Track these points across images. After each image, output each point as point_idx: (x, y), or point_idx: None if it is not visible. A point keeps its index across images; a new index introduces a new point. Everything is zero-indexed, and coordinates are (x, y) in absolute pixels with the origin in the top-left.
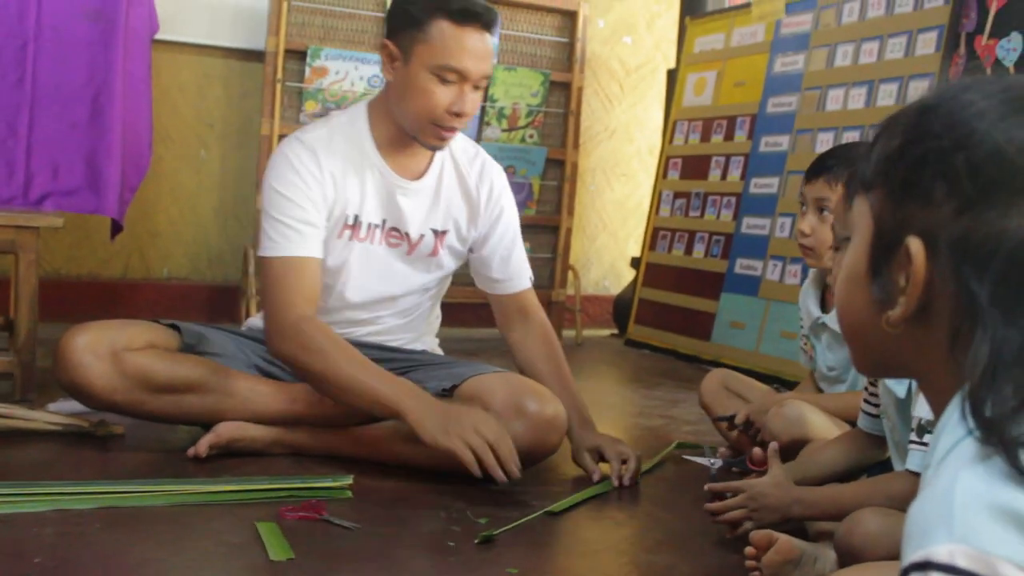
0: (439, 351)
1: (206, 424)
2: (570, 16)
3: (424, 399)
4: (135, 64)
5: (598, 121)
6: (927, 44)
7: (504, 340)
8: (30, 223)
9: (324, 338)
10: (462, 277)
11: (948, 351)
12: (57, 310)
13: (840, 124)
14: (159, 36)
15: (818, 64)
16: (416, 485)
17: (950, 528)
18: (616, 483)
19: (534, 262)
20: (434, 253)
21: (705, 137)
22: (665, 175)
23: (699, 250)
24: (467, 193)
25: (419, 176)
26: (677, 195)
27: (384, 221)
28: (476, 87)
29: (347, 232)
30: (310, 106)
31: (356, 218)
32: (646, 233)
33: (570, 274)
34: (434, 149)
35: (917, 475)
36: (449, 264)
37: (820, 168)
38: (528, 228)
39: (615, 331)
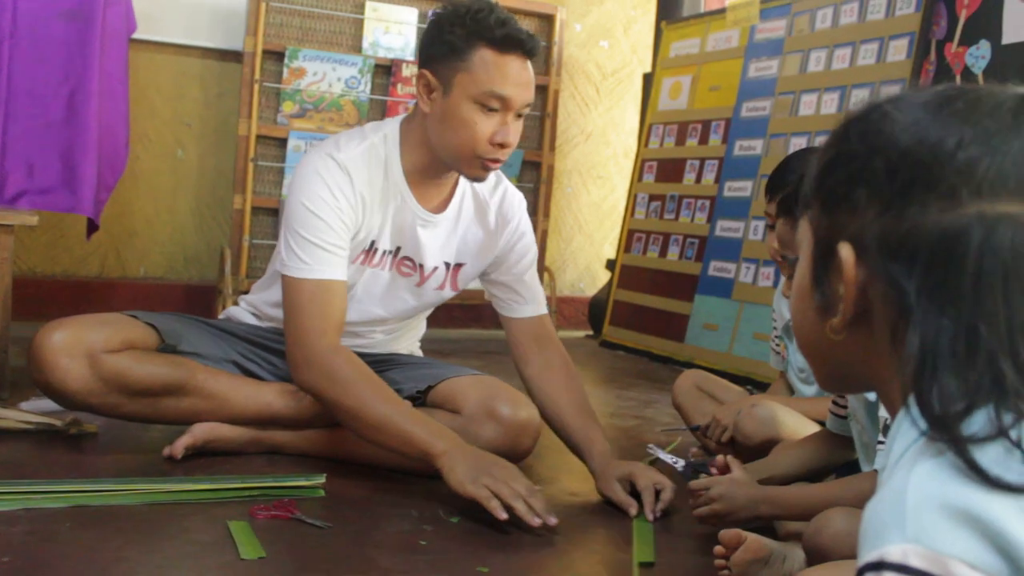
0: (418, 352)
1: (183, 424)
2: (547, 20)
3: (457, 443)
4: (112, 63)
5: (574, 124)
6: (898, 51)
7: (521, 376)
8: (4, 220)
9: (354, 372)
10: None
11: (890, 353)
12: (32, 309)
13: (813, 129)
14: (137, 35)
15: (791, 69)
16: (389, 485)
17: (903, 528)
18: (650, 517)
19: None
20: (442, 287)
21: (680, 141)
22: (640, 178)
23: (674, 252)
24: (485, 223)
25: (441, 208)
26: (652, 198)
27: (399, 249)
28: (519, 115)
29: (361, 256)
30: (288, 107)
31: (373, 244)
32: (621, 235)
33: (546, 275)
34: (477, 181)
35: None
36: (449, 295)
37: (781, 184)
38: None
39: (590, 332)
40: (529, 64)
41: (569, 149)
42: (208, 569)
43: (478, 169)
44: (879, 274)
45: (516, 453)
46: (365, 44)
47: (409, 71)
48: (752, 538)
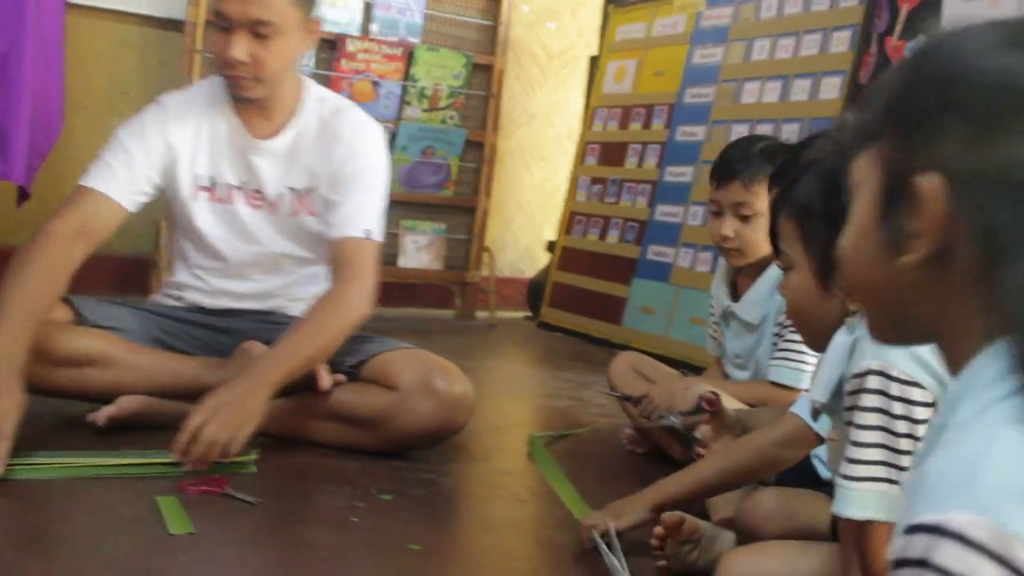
0: None
1: (109, 400)
2: (494, 0)
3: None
4: (47, 27)
5: (518, 105)
6: (841, 42)
7: None
8: None
9: (38, 257)
10: None
11: (972, 294)
12: None
13: (755, 117)
14: (74, 0)
15: (736, 57)
16: (322, 460)
17: (973, 495)
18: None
19: (450, 243)
20: (294, 214)
21: (623, 125)
22: (583, 161)
23: (613, 236)
24: (326, 146)
25: (273, 135)
26: (594, 181)
27: (244, 183)
28: (258, 35)
29: (203, 194)
30: None
31: (212, 180)
32: (562, 217)
33: (485, 256)
34: (239, 100)
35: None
36: (315, 225)
37: (731, 172)
38: (445, 209)
39: (528, 313)
40: None
41: (513, 130)
42: (135, 545)
43: (231, 87)
44: (969, 206)
45: (451, 427)
46: None
47: (354, 46)
48: (688, 520)
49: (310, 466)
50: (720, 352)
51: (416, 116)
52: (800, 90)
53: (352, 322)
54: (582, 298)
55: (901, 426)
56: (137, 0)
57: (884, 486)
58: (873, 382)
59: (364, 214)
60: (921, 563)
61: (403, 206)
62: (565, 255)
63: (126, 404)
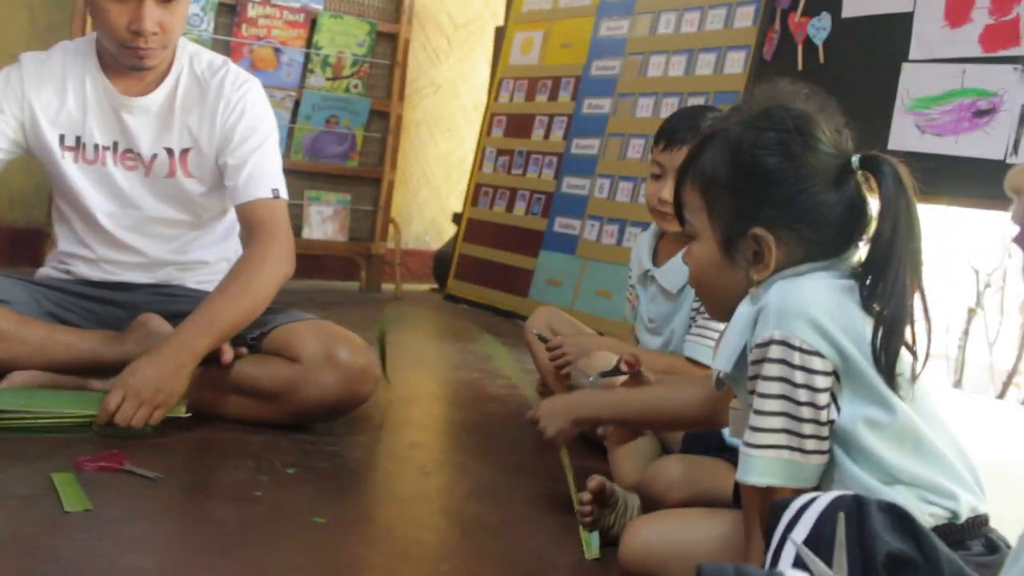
0: None
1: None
2: None
3: None
4: None
5: (424, 75)
6: (744, 17)
7: None
8: None
9: None
10: None
11: None
12: None
13: (660, 90)
14: None
15: (641, 30)
16: (224, 434)
17: None
18: None
19: (355, 214)
20: (171, 175)
21: (530, 96)
22: (489, 132)
23: (520, 208)
24: (206, 105)
25: (146, 92)
26: (500, 152)
27: (116, 144)
28: (164, 2)
29: (69, 154)
30: None
31: (78, 139)
32: (468, 189)
33: (391, 228)
34: (136, 70)
35: (706, 375)
36: (194, 187)
37: (681, 136)
38: (349, 179)
39: (435, 286)
40: None
41: (418, 100)
42: (29, 523)
43: (129, 58)
44: None
45: (355, 399)
46: None
47: (255, 11)
48: (607, 484)
49: (212, 440)
50: (634, 316)
51: (319, 85)
52: (705, 64)
53: (276, 282)
54: (488, 270)
55: (802, 395)
56: None
57: (786, 453)
58: (775, 351)
59: (267, 174)
60: None
61: (307, 176)
62: (471, 227)
63: (18, 379)
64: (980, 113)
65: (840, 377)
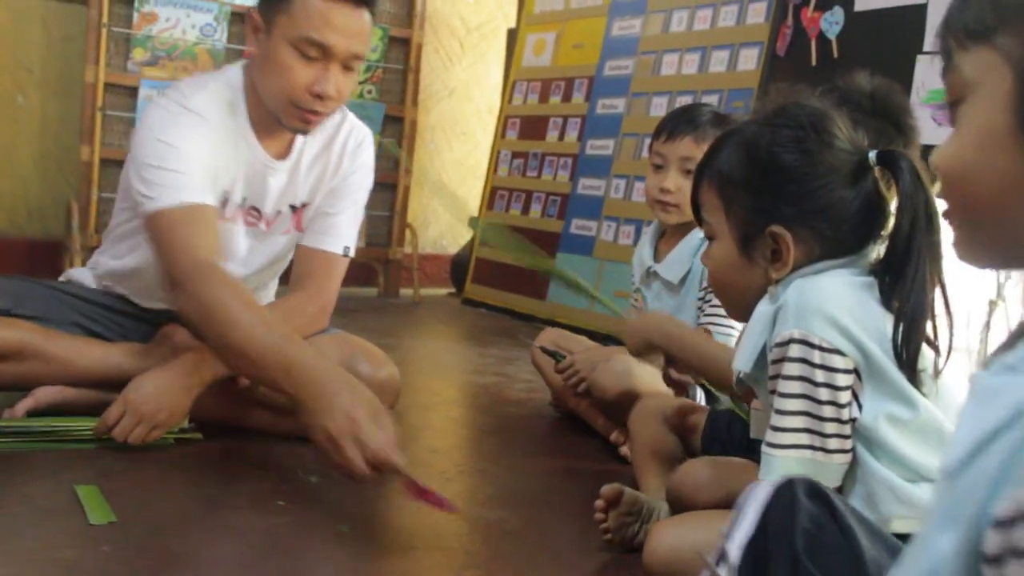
0: None
1: (25, 391)
2: None
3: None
4: None
5: (438, 79)
6: (757, 14)
7: None
8: None
9: (224, 286)
10: None
11: None
12: None
13: (674, 88)
14: None
15: (654, 29)
16: (246, 445)
17: None
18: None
19: (372, 220)
20: (287, 231)
21: (543, 98)
22: (504, 135)
23: (536, 210)
24: (328, 157)
25: (285, 154)
26: (515, 155)
27: (245, 199)
28: (347, 68)
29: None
30: (139, 54)
31: (226, 194)
32: (484, 192)
33: (408, 233)
34: (298, 132)
35: None
36: (296, 239)
37: (683, 127)
38: None
39: (452, 290)
40: (364, 13)
41: (432, 104)
42: (55, 535)
43: (296, 120)
44: None
45: None
46: None
47: None
48: (627, 492)
49: (234, 450)
50: None
51: None
52: (719, 61)
53: (306, 335)
54: (505, 274)
55: (824, 393)
56: None
57: (808, 453)
58: (795, 350)
59: (348, 231)
60: None
61: None
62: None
63: (43, 396)
64: None
65: (861, 375)
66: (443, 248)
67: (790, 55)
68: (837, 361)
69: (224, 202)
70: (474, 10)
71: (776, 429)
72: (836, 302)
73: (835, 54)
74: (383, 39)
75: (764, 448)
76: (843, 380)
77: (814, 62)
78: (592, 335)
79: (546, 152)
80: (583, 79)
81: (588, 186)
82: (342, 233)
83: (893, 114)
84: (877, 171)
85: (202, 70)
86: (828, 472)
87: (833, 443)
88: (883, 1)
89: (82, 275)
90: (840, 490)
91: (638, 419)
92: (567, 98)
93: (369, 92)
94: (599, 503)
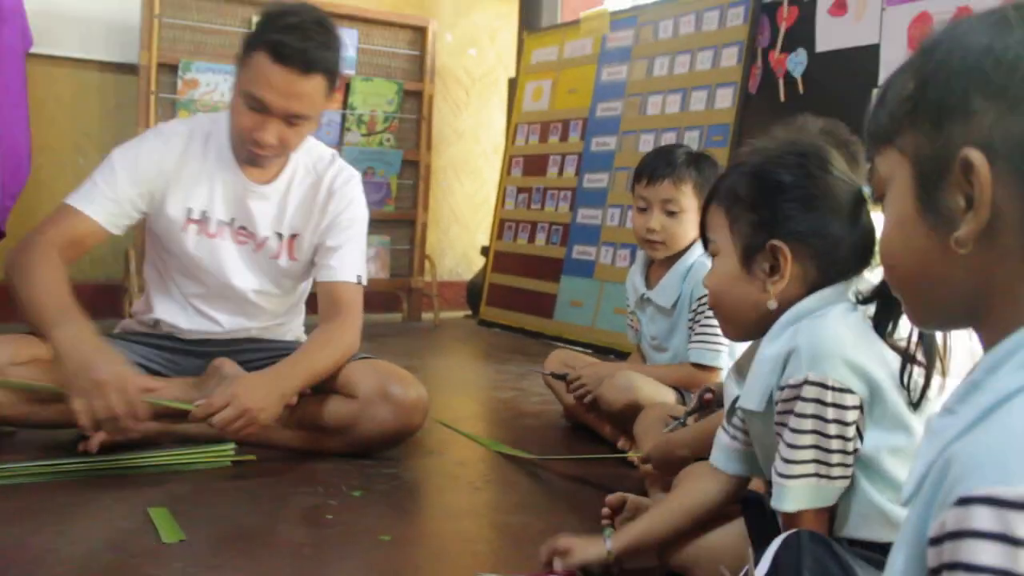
0: (304, 338)
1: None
2: (420, 31)
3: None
4: (10, 78)
5: (447, 125)
6: (730, 57)
7: None
8: None
9: (41, 258)
10: None
11: (1020, 261)
12: None
13: (659, 126)
14: (34, 50)
15: (639, 74)
16: (295, 465)
17: None
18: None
19: (394, 253)
20: (277, 256)
21: (543, 138)
22: (509, 172)
23: (541, 239)
24: (317, 197)
25: (270, 180)
26: (520, 190)
27: (233, 220)
28: (289, 123)
29: (193, 226)
30: (183, 115)
31: (204, 214)
32: (493, 224)
33: (427, 263)
34: (251, 164)
35: (707, 468)
36: (292, 267)
37: (662, 170)
38: (388, 223)
39: (469, 313)
40: (304, 79)
41: (444, 148)
42: (132, 554)
43: (245, 154)
44: (1009, 174)
45: (408, 429)
46: None
47: None
48: (630, 498)
49: (283, 470)
50: (638, 339)
51: (356, 141)
52: (698, 101)
53: (346, 356)
54: (516, 296)
55: (833, 429)
56: (93, 47)
57: (814, 480)
58: (810, 392)
59: (356, 261)
60: (993, 536)
61: None
62: (498, 258)
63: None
64: None
65: (864, 409)
66: (459, 275)
67: (761, 93)
68: (847, 399)
69: (202, 219)
70: (477, 63)
71: (787, 461)
72: (849, 344)
73: (801, 91)
74: (398, 92)
75: (775, 478)
76: (851, 416)
77: (783, 99)
78: (596, 348)
79: (547, 187)
80: (578, 120)
81: (586, 216)
82: (351, 264)
83: (842, 145)
84: (872, 204)
85: None
86: (829, 494)
87: (837, 470)
88: (841, 42)
89: (128, 323)
90: (834, 510)
91: (642, 428)
92: (564, 138)
93: (388, 140)
94: (605, 511)
